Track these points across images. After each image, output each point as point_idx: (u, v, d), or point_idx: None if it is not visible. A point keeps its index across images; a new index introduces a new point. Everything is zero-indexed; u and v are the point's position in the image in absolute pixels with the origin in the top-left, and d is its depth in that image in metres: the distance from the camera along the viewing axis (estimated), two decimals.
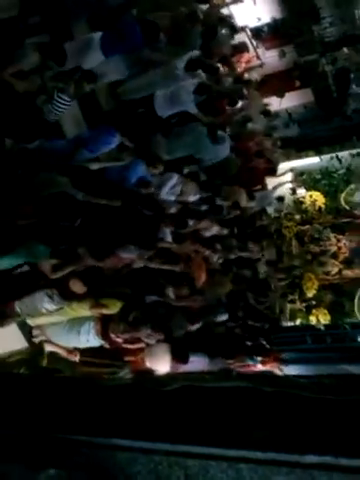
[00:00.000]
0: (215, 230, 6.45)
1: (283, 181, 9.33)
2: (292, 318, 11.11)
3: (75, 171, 4.48)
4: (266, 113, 8.98)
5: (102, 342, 5.16)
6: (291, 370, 8.37)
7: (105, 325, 5.06)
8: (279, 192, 9.20)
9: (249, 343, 7.20)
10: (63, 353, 5.29)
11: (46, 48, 4.47)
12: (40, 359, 5.15)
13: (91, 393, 1.65)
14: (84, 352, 5.31)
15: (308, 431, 1.24)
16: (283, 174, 9.34)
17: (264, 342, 7.55)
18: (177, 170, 5.88)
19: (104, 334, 5.06)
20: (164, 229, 5.36)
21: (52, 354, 5.31)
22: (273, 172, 8.58)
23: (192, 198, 5.96)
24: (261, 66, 10.02)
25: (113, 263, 4.80)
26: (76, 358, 5.26)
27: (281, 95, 9.00)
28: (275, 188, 8.82)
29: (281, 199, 9.09)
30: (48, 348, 5.24)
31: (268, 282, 8.62)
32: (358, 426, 1.20)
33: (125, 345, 5.16)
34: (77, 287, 4.56)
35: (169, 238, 5.45)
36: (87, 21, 5.50)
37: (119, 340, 5.07)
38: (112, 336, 5.05)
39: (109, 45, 5.12)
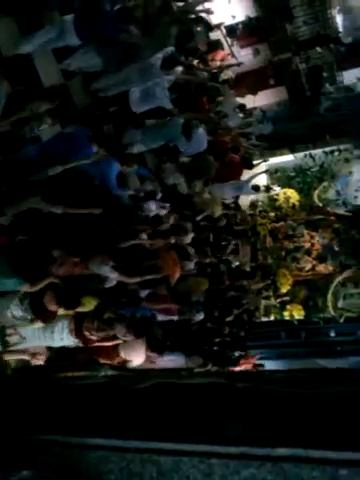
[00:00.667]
0: (190, 237, 6.47)
1: (258, 172, 9.36)
2: (267, 314, 11.26)
3: (46, 186, 4.36)
4: (241, 107, 9.02)
5: (76, 340, 5.11)
6: (266, 365, 8.49)
7: (79, 323, 5.01)
8: (254, 182, 9.24)
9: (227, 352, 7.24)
10: (27, 357, 5.20)
11: (14, 75, 4.37)
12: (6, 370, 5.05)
13: (63, 393, 1.63)
14: (58, 356, 5.23)
15: (279, 425, 1.25)
16: (258, 165, 9.39)
17: (241, 348, 7.62)
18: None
19: (78, 332, 5.01)
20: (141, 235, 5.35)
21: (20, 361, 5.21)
22: (249, 165, 8.63)
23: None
24: (239, 65, 10.04)
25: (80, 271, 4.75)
26: (41, 361, 5.17)
27: (254, 93, 9.05)
28: (251, 178, 8.85)
29: (257, 188, 9.11)
30: (7, 358, 5.14)
31: (244, 287, 8.70)
32: (326, 418, 1.23)
33: (100, 343, 5.12)
34: (50, 303, 4.47)
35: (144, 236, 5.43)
36: (58, 9, 5.42)
37: (93, 338, 5.03)
38: (86, 334, 5.00)
39: (83, 26, 5.07)
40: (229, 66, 9.80)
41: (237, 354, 7.40)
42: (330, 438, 1.16)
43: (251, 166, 8.64)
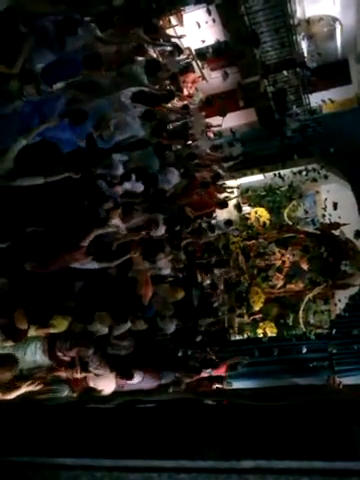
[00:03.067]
0: (163, 230, 6.46)
1: (231, 212, 9.58)
2: (240, 332, 11.32)
3: (21, 167, 4.30)
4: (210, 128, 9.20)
5: (49, 362, 5.04)
6: (240, 384, 8.50)
7: (52, 344, 4.96)
8: (227, 215, 9.42)
9: (198, 356, 7.23)
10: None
11: None
12: None
13: (31, 414, 1.64)
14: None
15: (244, 437, 1.30)
16: (231, 192, 9.58)
17: (212, 353, 7.62)
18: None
19: (51, 353, 4.95)
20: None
21: None
22: (224, 205, 8.82)
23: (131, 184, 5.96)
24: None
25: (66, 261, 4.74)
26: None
27: (223, 114, 9.26)
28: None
29: (229, 223, 9.27)
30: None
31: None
32: (288, 428, 1.28)
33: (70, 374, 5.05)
34: (20, 321, 4.42)
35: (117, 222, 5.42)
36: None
37: (66, 358, 4.98)
38: (59, 355, 4.95)
39: (50, 75, 5.14)
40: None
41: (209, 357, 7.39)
42: (292, 448, 1.21)
43: (226, 206, 8.85)
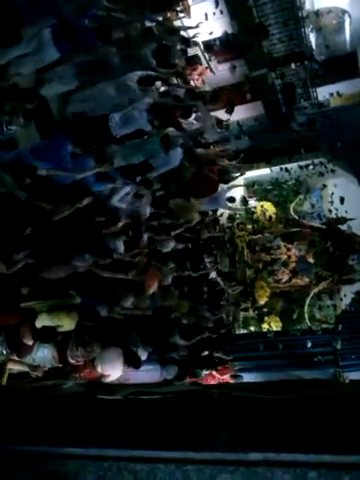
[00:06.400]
0: (171, 246, 6.48)
1: (235, 184, 9.44)
2: (245, 326, 11.33)
3: (21, 170, 4.36)
4: (219, 122, 9.14)
5: (60, 365, 5.02)
6: (244, 377, 8.50)
7: (62, 350, 4.91)
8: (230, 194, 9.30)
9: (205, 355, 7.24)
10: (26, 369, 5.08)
11: None
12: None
13: (39, 404, 1.65)
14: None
15: (251, 430, 1.30)
16: (235, 178, 9.49)
17: (219, 354, 7.62)
18: (131, 178, 5.89)
19: (62, 359, 4.92)
20: (116, 240, 5.37)
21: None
22: (226, 180, 8.72)
23: (144, 209, 5.97)
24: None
25: (65, 272, 4.77)
26: (40, 374, 5.06)
27: (229, 111, 9.19)
28: (227, 189, 8.92)
29: (233, 200, 9.15)
30: (10, 366, 5.02)
31: (221, 292, 8.74)
32: (296, 422, 1.28)
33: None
34: (26, 336, 4.43)
35: (121, 249, 5.45)
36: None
37: (81, 364, 4.99)
38: (72, 362, 4.92)
39: (61, 39, 5.11)
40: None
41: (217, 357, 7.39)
42: (299, 441, 1.21)
43: (228, 181, 8.74)
